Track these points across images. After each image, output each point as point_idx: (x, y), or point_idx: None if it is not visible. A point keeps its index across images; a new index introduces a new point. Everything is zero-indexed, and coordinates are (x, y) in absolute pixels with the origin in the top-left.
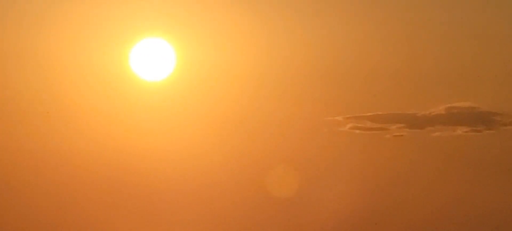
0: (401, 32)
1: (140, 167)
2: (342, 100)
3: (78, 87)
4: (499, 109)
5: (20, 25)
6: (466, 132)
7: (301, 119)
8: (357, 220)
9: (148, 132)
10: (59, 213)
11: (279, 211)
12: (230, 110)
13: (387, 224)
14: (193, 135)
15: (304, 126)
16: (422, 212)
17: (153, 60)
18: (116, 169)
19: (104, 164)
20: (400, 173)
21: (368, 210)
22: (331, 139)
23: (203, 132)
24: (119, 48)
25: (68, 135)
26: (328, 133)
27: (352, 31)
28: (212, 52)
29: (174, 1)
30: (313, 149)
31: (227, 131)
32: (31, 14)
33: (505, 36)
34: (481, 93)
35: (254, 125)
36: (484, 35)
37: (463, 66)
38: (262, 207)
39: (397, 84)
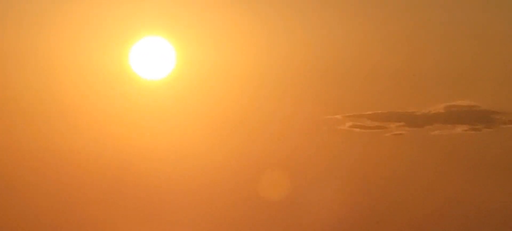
0: (400, 31)
1: (139, 166)
2: (341, 99)
3: (77, 86)
4: (498, 108)
5: (20, 24)
6: (466, 131)
7: (301, 117)
8: (357, 218)
9: (148, 131)
10: (58, 212)
11: (279, 210)
12: (230, 109)
13: (387, 222)
14: (193, 134)
15: (304, 124)
16: (422, 210)
17: (153, 59)
18: (116, 168)
19: (104, 163)
20: (399, 171)
21: (368, 209)
22: (331, 138)
23: (203, 131)
24: (119, 47)
25: (68, 134)
26: (327, 132)
27: (351, 30)
28: (211, 51)
29: (174, 0)
30: (312, 147)
31: (227, 130)
32: (31, 13)
33: (505, 35)
34: (480, 92)
35: (254, 123)
36: (484, 34)
37: (462, 65)
38: (262, 206)
39: (396, 83)
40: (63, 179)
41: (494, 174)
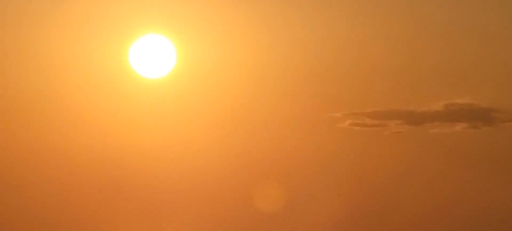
0: (399, 30)
1: (140, 164)
2: (341, 97)
3: (78, 85)
4: (498, 106)
5: (20, 22)
6: (465, 129)
7: (301, 115)
8: (356, 216)
9: (148, 129)
10: (59, 210)
11: (279, 208)
12: (230, 108)
13: (387, 220)
14: (193, 132)
15: (304, 122)
16: (421, 208)
17: (153, 57)
18: (116, 166)
19: (104, 162)
20: (399, 169)
21: (367, 206)
22: (330, 136)
23: (203, 129)
24: (119, 45)
25: (68, 132)
26: (327, 130)
27: (351, 29)
28: (212, 50)
29: None
30: (312, 145)
31: (227, 128)
32: (31, 11)
33: (504, 34)
34: (480, 90)
35: (254, 122)
36: (483, 32)
37: (461, 63)
38: (262, 204)
39: (396, 81)
40: (63, 177)
41: (493, 172)
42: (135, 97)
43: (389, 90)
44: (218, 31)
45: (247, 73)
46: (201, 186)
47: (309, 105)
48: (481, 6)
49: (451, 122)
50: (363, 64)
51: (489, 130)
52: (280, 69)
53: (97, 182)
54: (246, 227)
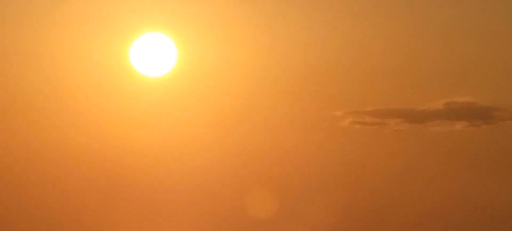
0: (400, 29)
1: (140, 162)
2: (341, 96)
3: (79, 83)
4: (498, 105)
5: (21, 21)
6: (465, 127)
7: (302, 114)
8: (357, 215)
9: (148, 128)
10: (59, 208)
11: (279, 206)
12: (230, 106)
13: (387, 218)
14: (194, 131)
15: (304, 121)
16: (422, 206)
17: (154, 56)
18: (116, 165)
19: (105, 160)
20: (399, 167)
21: (368, 204)
22: (331, 134)
23: (203, 128)
24: (120, 44)
25: (69, 131)
26: (327, 128)
27: (352, 28)
28: (212, 49)
29: None
30: (312, 144)
31: (227, 127)
32: (32, 10)
33: (504, 33)
34: (480, 88)
35: (255, 120)
36: (483, 31)
37: (462, 62)
38: (262, 202)
39: (396, 80)
40: (64, 175)
41: (493, 170)
42: (136, 96)
43: (389, 89)
44: (218, 30)
45: (247, 72)
46: (201, 184)
47: (310, 104)
48: (481, 6)
49: (451, 120)
50: (364, 63)
51: (489, 128)
52: (280, 68)
53: (97, 180)
54: (246, 226)
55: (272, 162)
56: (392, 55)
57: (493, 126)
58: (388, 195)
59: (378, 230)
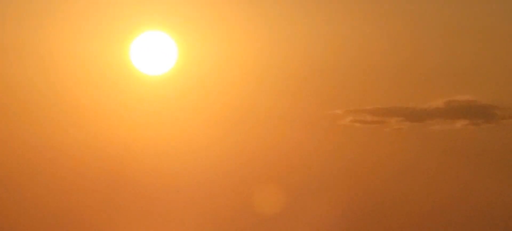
0: (401, 27)
1: (141, 161)
2: (342, 94)
3: (79, 82)
4: (498, 103)
5: (21, 20)
6: (465, 125)
7: (302, 112)
8: (358, 213)
9: (149, 126)
10: (59, 205)
11: (280, 204)
12: (231, 104)
13: (387, 216)
14: (194, 130)
15: (305, 119)
16: (422, 204)
17: (154, 54)
18: (117, 163)
19: (105, 158)
20: (399, 166)
21: (368, 202)
22: (331, 132)
23: (204, 126)
24: (120, 42)
25: (69, 129)
26: (328, 126)
27: (352, 27)
28: (213, 47)
29: None
30: (313, 142)
31: (228, 125)
32: (32, 8)
33: (504, 32)
34: (480, 87)
35: (255, 119)
36: (484, 30)
37: (462, 61)
38: (263, 200)
39: (396, 78)
40: (64, 173)
41: (493, 168)
42: (136, 94)
43: (389, 87)
44: (219, 29)
45: (248, 70)
46: (202, 183)
47: (310, 102)
48: (482, 4)
49: (452, 118)
50: (364, 62)
51: (489, 126)
52: (281, 67)
53: (98, 178)
54: (248, 224)
55: (273, 160)
56: (392, 54)
57: (493, 125)
58: (389, 193)
59: (379, 228)
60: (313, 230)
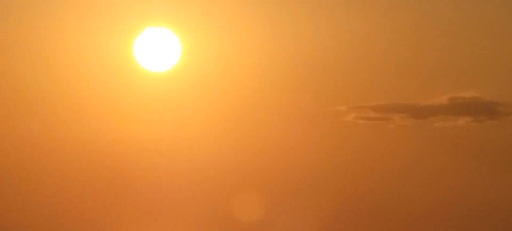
0: (404, 23)
1: (143, 158)
2: (345, 91)
3: (82, 78)
4: (502, 100)
5: (23, 16)
6: (469, 122)
7: (305, 109)
8: (361, 210)
9: (152, 122)
10: (61, 202)
11: (282, 201)
12: (234, 101)
13: (390, 214)
14: (198, 126)
15: (308, 116)
16: (425, 202)
17: (157, 51)
18: (119, 160)
19: (108, 155)
20: (403, 163)
21: (371, 200)
22: (335, 129)
23: (207, 122)
24: (123, 38)
25: (72, 125)
26: (331, 123)
27: (356, 22)
28: (216, 43)
29: None
30: (316, 138)
31: (231, 122)
32: (35, 4)
33: (508, 28)
34: (484, 83)
35: (258, 115)
36: (487, 26)
37: (466, 57)
38: (266, 197)
39: (400, 74)
40: (66, 170)
41: (497, 165)
42: (140, 91)
43: (393, 84)
44: (223, 24)
45: (251, 67)
46: (204, 180)
47: (314, 99)
48: (485, 0)
49: (455, 115)
50: (367, 58)
51: (493, 123)
52: (284, 63)
53: (100, 175)
54: (249, 222)
55: (276, 157)
56: (395, 50)
57: (497, 121)
58: (392, 190)
59: (382, 225)
60: (317, 227)
